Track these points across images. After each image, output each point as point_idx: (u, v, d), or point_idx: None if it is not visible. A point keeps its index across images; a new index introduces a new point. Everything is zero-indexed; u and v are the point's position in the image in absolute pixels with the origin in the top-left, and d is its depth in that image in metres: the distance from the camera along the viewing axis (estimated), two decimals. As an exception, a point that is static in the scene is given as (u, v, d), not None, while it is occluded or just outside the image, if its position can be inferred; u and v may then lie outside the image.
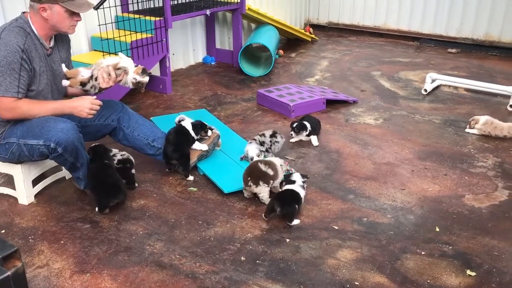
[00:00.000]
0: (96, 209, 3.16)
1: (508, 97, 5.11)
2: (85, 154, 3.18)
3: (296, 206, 3.07)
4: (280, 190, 3.23)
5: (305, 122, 4.16)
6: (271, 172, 3.22)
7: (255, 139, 3.79)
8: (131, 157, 3.51)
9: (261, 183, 3.18)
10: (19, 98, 2.90)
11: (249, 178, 3.20)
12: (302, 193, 3.14)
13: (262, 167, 3.22)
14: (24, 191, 3.25)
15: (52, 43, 3.11)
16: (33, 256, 2.76)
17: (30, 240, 2.90)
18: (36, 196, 3.34)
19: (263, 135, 3.83)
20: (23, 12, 3.03)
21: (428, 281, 2.57)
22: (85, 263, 2.69)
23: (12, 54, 2.83)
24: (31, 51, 2.92)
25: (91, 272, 2.62)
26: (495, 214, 3.19)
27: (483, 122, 4.35)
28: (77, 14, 3.00)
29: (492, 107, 5.08)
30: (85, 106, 3.01)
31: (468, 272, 2.64)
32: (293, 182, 3.18)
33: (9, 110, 2.92)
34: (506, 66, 6.66)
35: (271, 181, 3.23)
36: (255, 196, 3.30)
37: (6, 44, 2.83)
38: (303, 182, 3.21)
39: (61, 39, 3.21)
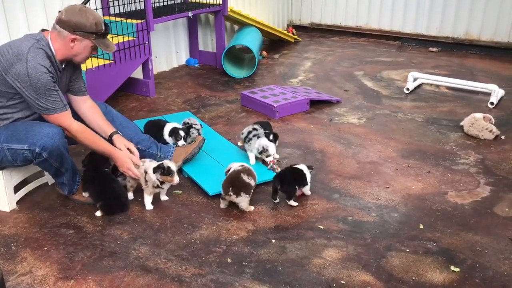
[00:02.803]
0: (99, 213, 3.17)
1: (488, 94, 5.19)
2: (70, 159, 3.15)
3: (297, 187, 3.27)
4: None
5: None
6: (253, 183, 3.21)
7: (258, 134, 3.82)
8: None
9: (242, 194, 3.14)
10: (67, 110, 3.06)
11: (230, 188, 3.14)
12: (308, 175, 3.31)
13: (245, 178, 3.17)
14: (6, 198, 3.19)
15: (63, 65, 3.14)
16: (16, 263, 2.71)
17: (13, 247, 2.86)
18: (18, 202, 3.29)
19: (255, 129, 3.86)
20: (42, 30, 3.06)
21: (413, 278, 2.60)
22: (69, 269, 2.66)
23: (44, 76, 2.88)
24: (53, 72, 2.98)
25: (75, 278, 2.59)
26: (477, 210, 3.23)
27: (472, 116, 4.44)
28: (96, 49, 3.10)
29: (473, 104, 5.15)
30: (126, 165, 3.21)
31: (452, 268, 2.67)
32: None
33: (66, 129, 3.06)
34: (486, 64, 6.77)
35: (252, 191, 3.22)
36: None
37: (35, 67, 2.86)
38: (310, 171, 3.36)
39: (70, 61, 3.21)
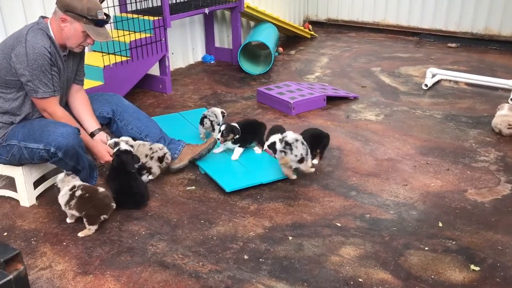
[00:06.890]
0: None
1: (509, 90, 5.10)
2: (86, 157, 3.18)
3: None
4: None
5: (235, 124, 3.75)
6: None
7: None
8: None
9: None
10: (55, 96, 3.04)
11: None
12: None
13: None
14: (26, 193, 3.24)
15: (66, 52, 3.14)
16: (36, 258, 2.75)
17: (33, 242, 2.90)
18: (37, 198, 3.34)
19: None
20: (42, 17, 3.07)
21: (432, 276, 2.56)
22: (87, 264, 2.69)
23: (41, 57, 2.88)
24: (54, 53, 2.98)
25: (94, 273, 2.62)
26: (498, 209, 3.18)
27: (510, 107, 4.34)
28: (91, 38, 3.04)
29: (493, 101, 5.06)
30: (105, 158, 3.31)
31: (472, 267, 2.63)
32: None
33: (51, 114, 3.06)
34: (506, 59, 6.65)
35: None
36: (254, 193, 3.28)
37: (34, 47, 2.86)
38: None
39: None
